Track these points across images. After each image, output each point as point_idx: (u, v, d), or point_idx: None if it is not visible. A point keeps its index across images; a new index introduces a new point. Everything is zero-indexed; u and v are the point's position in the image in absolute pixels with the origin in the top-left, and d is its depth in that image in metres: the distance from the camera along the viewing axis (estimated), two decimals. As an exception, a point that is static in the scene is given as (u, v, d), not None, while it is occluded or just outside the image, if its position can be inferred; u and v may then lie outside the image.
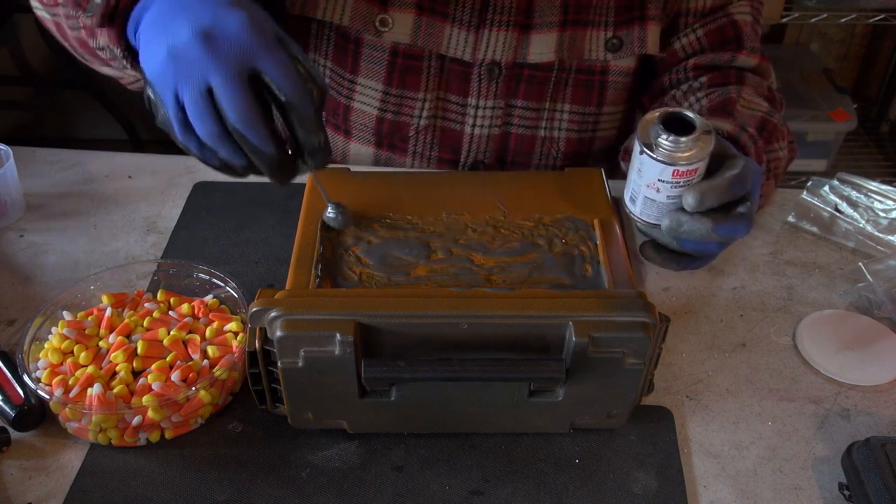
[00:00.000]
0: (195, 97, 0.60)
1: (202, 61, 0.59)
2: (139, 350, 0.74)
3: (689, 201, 0.65)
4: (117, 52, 0.71)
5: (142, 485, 0.69)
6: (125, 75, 0.84)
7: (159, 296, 0.81)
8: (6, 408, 0.72)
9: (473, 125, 0.99)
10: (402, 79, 0.96)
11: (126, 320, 0.77)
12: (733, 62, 0.96)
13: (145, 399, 0.69)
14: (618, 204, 0.75)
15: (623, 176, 0.75)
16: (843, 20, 2.01)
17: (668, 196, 0.66)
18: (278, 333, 0.64)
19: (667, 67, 1.00)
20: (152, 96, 0.64)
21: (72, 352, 0.75)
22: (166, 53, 0.60)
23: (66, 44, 0.83)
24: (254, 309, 0.65)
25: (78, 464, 0.71)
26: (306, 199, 0.78)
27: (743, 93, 0.92)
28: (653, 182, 0.66)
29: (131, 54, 0.72)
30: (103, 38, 0.72)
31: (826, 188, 1.01)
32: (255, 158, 0.63)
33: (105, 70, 0.84)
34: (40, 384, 0.72)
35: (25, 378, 0.71)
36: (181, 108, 0.62)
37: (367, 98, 0.99)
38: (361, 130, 1.02)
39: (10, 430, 0.72)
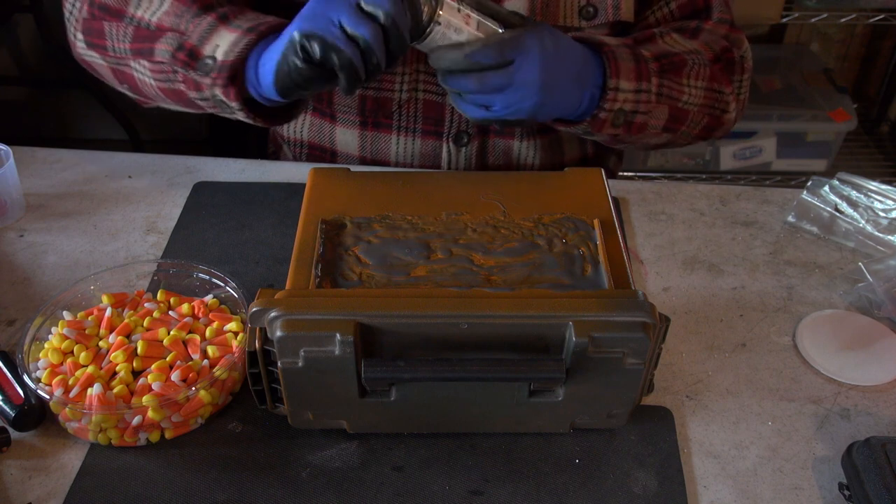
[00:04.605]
0: (354, 15, 0.71)
1: None
2: (139, 350, 0.74)
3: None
4: (234, 105, 0.81)
5: (142, 485, 0.69)
6: (201, 110, 0.89)
7: (159, 296, 0.81)
8: (6, 408, 0.72)
9: None
10: None
11: (126, 320, 0.77)
12: (699, 28, 0.96)
13: (145, 399, 0.69)
14: (618, 204, 0.75)
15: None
16: (843, 20, 2.01)
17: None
18: (278, 333, 0.64)
19: None
20: (315, 48, 0.72)
21: (72, 352, 0.75)
22: (312, 4, 0.72)
23: (121, 85, 0.92)
24: (254, 309, 0.65)
25: (78, 464, 0.71)
26: (306, 199, 0.78)
27: (672, 34, 0.93)
28: None
29: (246, 104, 0.82)
30: (217, 91, 0.80)
31: (826, 188, 1.01)
32: (397, 41, 0.72)
33: (176, 107, 0.91)
34: (40, 384, 0.72)
35: (25, 378, 0.71)
36: (344, 33, 0.71)
37: None
38: (346, 112, 1.03)
39: (10, 430, 0.72)
